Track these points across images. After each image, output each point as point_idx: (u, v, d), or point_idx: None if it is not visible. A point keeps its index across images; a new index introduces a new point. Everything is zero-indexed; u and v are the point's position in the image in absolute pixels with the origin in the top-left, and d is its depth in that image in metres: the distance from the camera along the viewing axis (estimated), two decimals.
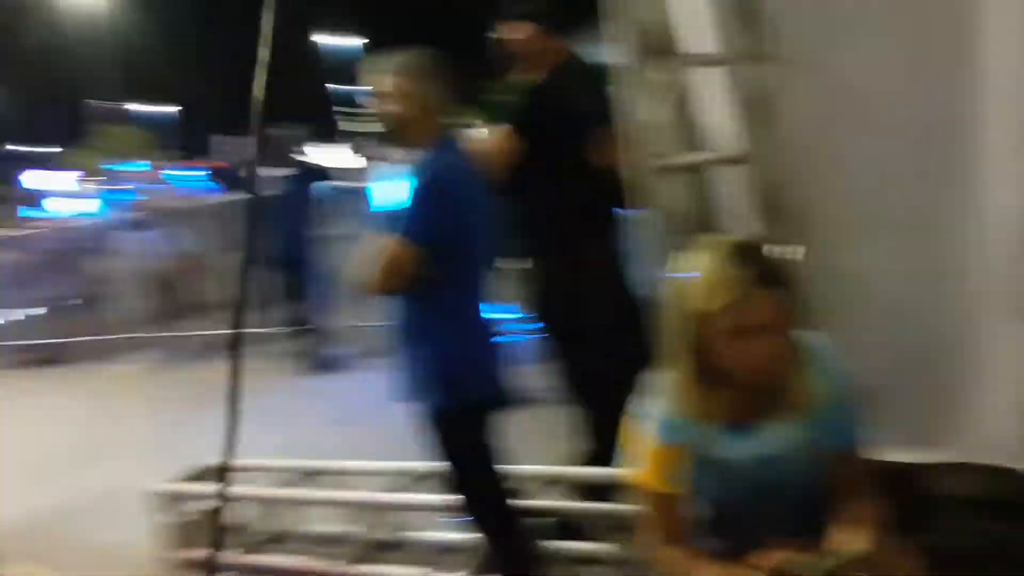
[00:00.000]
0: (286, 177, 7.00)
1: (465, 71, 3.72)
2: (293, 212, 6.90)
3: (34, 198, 10.72)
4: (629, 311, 2.99)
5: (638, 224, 2.88)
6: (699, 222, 2.95)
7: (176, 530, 3.80)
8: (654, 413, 1.94)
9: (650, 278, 2.88)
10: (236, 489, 3.75)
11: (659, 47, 2.86)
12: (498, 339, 2.78)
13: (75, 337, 9.10)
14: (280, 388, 6.53)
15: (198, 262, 8.60)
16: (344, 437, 5.11)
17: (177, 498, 3.80)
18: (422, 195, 2.46)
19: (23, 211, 10.21)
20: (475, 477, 2.61)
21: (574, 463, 3.41)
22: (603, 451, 3.05)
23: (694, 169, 2.95)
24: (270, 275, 7.57)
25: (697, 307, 1.80)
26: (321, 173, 6.95)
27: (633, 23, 2.83)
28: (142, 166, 10.81)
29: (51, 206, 10.26)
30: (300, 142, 7.13)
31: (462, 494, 2.64)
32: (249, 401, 6.21)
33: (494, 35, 3.39)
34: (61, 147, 36.14)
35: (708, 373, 1.85)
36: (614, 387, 2.98)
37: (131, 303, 9.06)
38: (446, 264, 2.49)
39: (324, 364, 6.73)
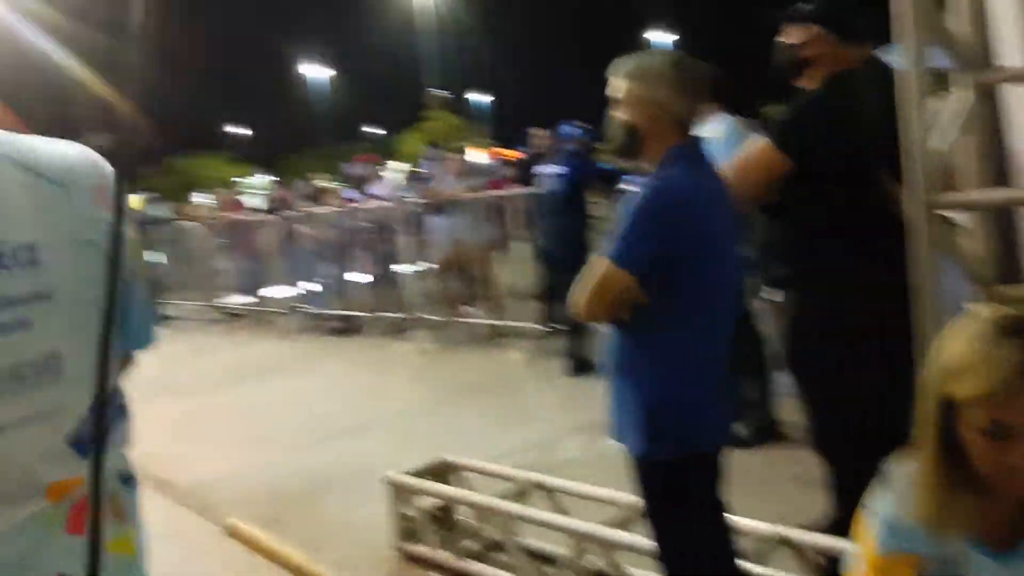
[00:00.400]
0: (560, 175, 6.93)
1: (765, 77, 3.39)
2: (566, 210, 6.82)
3: (358, 180, 11.55)
4: (896, 368, 2.56)
5: (919, 267, 2.46)
6: (999, 274, 2.47)
7: (401, 522, 3.83)
8: (883, 510, 1.58)
9: (925, 334, 2.45)
10: (456, 493, 3.74)
11: (965, 59, 2.42)
12: (732, 381, 2.46)
13: (366, 312, 9.71)
14: (534, 386, 6.52)
15: (488, 251, 8.80)
16: (582, 447, 4.97)
17: (404, 490, 3.82)
18: (640, 215, 2.18)
19: (347, 193, 11.01)
20: (677, 537, 2.31)
21: (817, 523, 3.00)
22: (844, 519, 2.64)
23: (996, 208, 2.47)
24: (543, 271, 7.61)
25: (950, 392, 1.42)
26: (604, 173, 6.81)
27: (935, 31, 2.41)
28: (440, 153, 11.26)
29: (369, 188, 10.97)
30: (584, 140, 7.01)
31: (662, 552, 2.34)
32: (501, 395, 6.34)
33: (780, 39, 3.04)
34: (396, 132, 39.15)
35: (957, 475, 1.46)
36: (862, 451, 2.57)
37: (421, 285, 9.50)
38: (666, 293, 2.20)
39: (583, 367, 6.60)
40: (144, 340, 1.64)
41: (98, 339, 1.46)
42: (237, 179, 32.71)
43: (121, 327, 1.54)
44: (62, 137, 1.50)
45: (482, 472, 3.97)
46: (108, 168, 1.51)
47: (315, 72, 53.56)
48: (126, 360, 1.63)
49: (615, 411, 2.37)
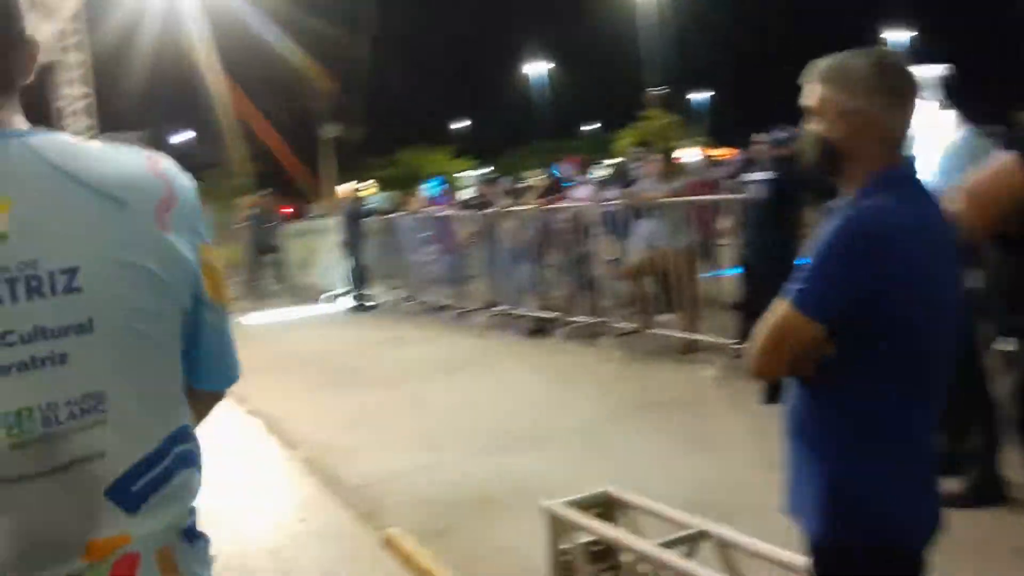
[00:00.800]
0: (767, 182, 6.40)
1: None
2: (771, 220, 6.29)
3: (557, 181, 11.42)
4: None
5: None
6: None
7: (558, 555, 3.54)
8: None
9: None
10: (617, 535, 3.41)
11: None
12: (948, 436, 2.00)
13: (559, 314, 9.50)
14: (724, 410, 6.05)
15: (687, 258, 8.33)
16: (768, 489, 4.46)
17: (563, 523, 3.53)
18: (831, 251, 1.75)
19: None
20: None
21: None
22: None
23: None
24: (745, 283, 7.11)
25: None
26: (813, 181, 6.20)
27: None
28: (642, 152, 10.95)
29: (571, 187, 10.82)
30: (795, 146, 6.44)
31: None
32: (687, 417, 5.92)
33: None
34: (612, 130, 38.93)
35: None
36: None
37: (615, 290, 9.19)
38: (862, 346, 1.77)
39: (781, 393, 6.04)
40: (221, 376, 1.43)
41: (148, 376, 1.28)
42: (459, 174, 33.70)
43: (192, 361, 1.35)
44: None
45: (650, 512, 3.61)
46: (180, 183, 1.31)
47: (536, 69, 54.34)
48: (204, 398, 1.43)
49: (792, 482, 1.97)
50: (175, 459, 1.30)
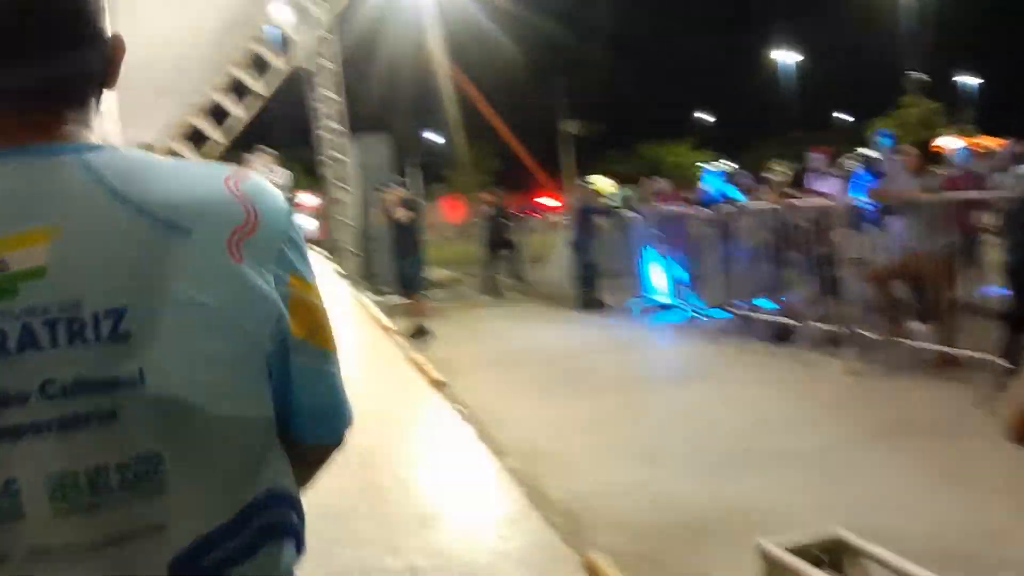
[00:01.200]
0: None
1: None
2: None
3: (808, 171, 10.66)
4: None
5: None
6: None
7: None
8: None
9: None
10: None
11: None
12: None
13: (799, 320, 8.85)
14: (984, 438, 5.16)
15: (944, 261, 7.46)
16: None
17: (780, 569, 3.12)
18: None
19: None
20: None
21: None
22: None
23: None
24: (1012, 292, 6.25)
25: None
26: None
27: None
28: (883, 144, 9.90)
29: (813, 182, 10.08)
30: None
31: None
32: (937, 444, 5.25)
33: None
34: (867, 119, 36.56)
35: None
36: None
37: (862, 295, 8.43)
38: None
39: None
40: (323, 428, 1.20)
41: (216, 434, 1.08)
42: (701, 164, 32.91)
43: (287, 413, 1.14)
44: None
45: (887, 565, 3.11)
46: (267, 206, 1.09)
47: (783, 56, 52.15)
48: (309, 453, 1.21)
49: None
50: (258, 530, 1.09)
